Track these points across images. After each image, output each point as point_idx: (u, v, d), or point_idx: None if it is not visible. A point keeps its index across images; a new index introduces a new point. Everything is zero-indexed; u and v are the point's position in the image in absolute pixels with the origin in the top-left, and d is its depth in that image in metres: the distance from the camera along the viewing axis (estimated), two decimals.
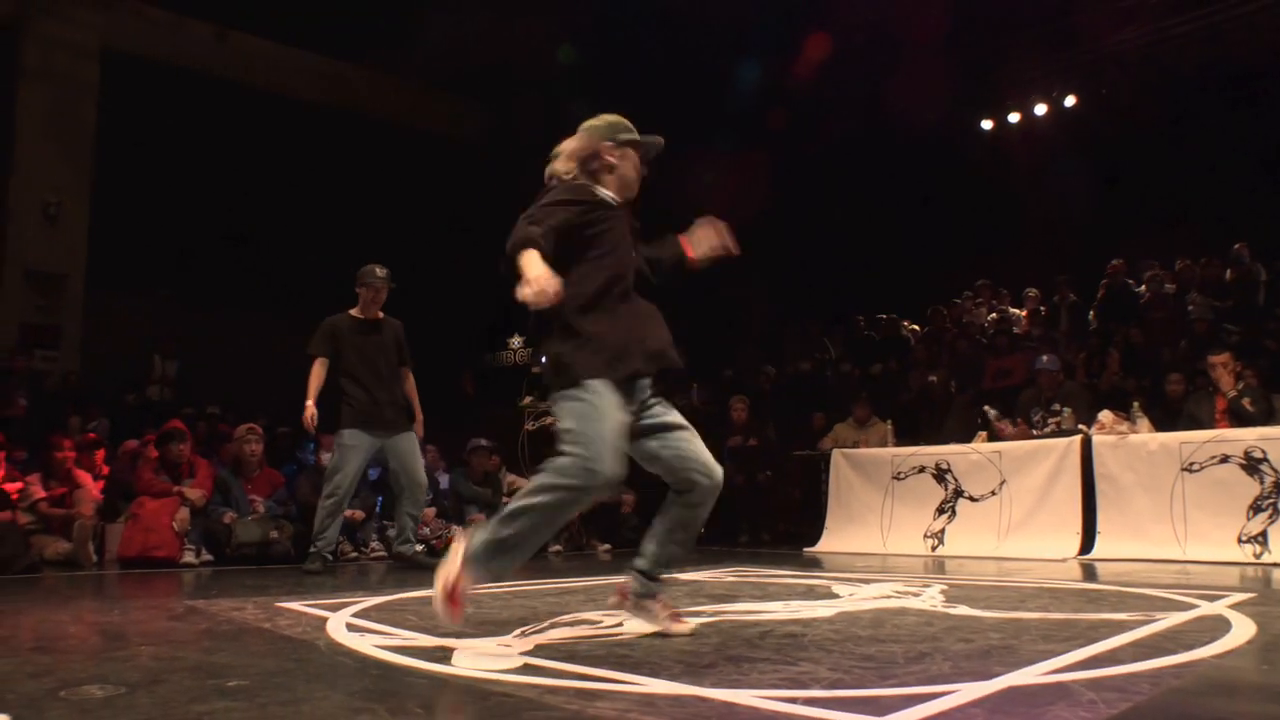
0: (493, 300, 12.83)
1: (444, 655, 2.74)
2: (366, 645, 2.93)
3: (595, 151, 3.16)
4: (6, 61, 12.26)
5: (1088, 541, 6.50)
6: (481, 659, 2.68)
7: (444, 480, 8.62)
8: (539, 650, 2.85)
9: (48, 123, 12.39)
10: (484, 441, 8.24)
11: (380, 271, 6.22)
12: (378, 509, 7.78)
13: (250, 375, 11.92)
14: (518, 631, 3.23)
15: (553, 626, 3.34)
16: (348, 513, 7.30)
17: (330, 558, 6.11)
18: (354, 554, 7.18)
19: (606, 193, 3.14)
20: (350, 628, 3.32)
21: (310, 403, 5.94)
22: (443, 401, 11.70)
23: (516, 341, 12.06)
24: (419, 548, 7.21)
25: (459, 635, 3.13)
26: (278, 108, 13.41)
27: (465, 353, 12.91)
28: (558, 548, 7.90)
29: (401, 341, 6.29)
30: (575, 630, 3.26)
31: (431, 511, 7.77)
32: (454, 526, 7.77)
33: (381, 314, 6.27)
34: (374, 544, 7.36)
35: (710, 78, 13.15)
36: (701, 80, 13.13)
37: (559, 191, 3.04)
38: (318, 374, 6.04)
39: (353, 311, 6.23)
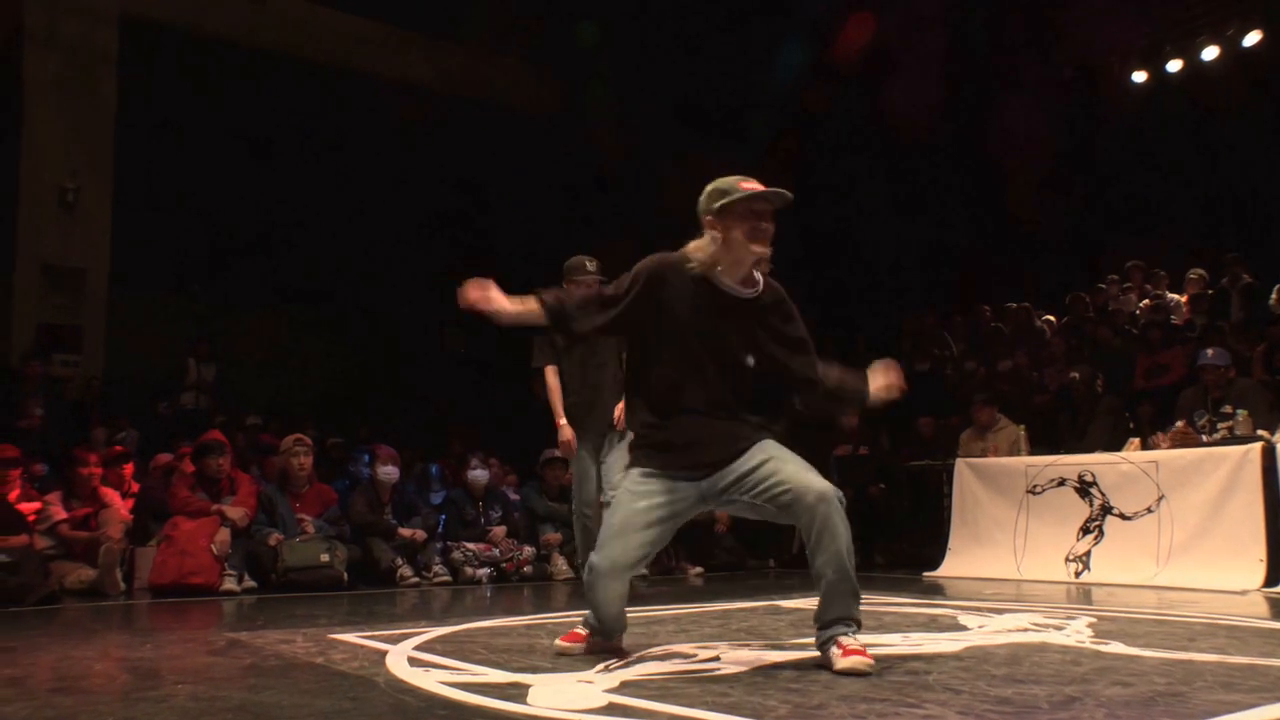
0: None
1: (519, 693, 2.78)
2: (431, 681, 2.98)
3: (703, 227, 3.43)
4: (7, 26, 12.24)
5: (1275, 571, 6.28)
6: (561, 697, 2.71)
7: (513, 495, 8.72)
8: (625, 688, 2.86)
9: (60, 97, 12.30)
10: (559, 452, 8.26)
11: (591, 265, 6.08)
12: (440, 529, 7.91)
13: (296, 380, 12.13)
14: (601, 666, 3.25)
15: (640, 660, 3.36)
16: (407, 532, 7.47)
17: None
18: (414, 579, 7.31)
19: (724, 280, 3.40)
20: (413, 662, 3.38)
21: (564, 420, 6.10)
22: (515, 406, 11.80)
23: None
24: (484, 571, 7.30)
25: (534, 670, 3.17)
26: (322, 78, 13.38)
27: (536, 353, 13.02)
28: (644, 572, 7.92)
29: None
30: (666, 665, 3.27)
31: (501, 530, 7.88)
32: (526, 548, 7.86)
33: None
34: (437, 567, 7.48)
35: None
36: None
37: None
38: (553, 386, 6.17)
39: None
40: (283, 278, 13.33)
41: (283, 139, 12.93)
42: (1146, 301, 11.88)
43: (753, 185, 3.37)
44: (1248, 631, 4.19)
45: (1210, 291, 11.25)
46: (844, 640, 3.20)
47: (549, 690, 2.82)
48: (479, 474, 8.13)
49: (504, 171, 14.22)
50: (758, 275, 3.43)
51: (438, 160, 13.79)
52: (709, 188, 3.43)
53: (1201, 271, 11.58)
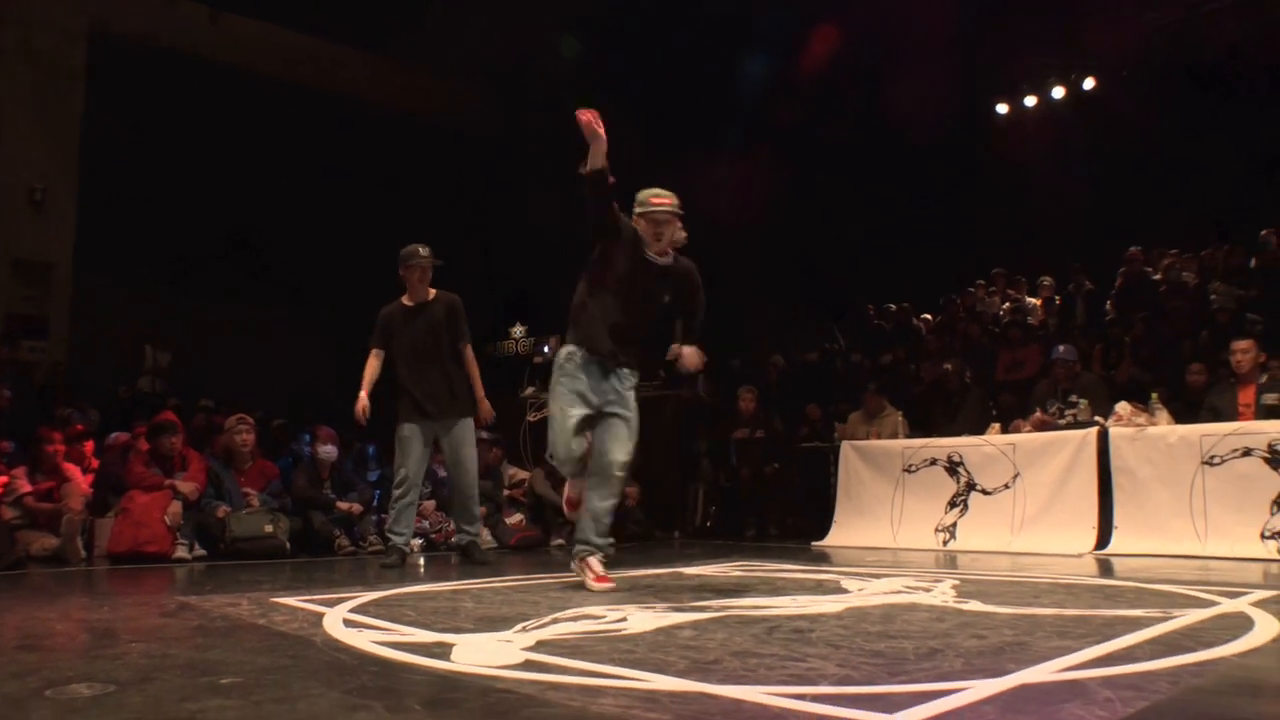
0: (493, 289, 12.86)
1: (443, 651, 2.74)
2: (364, 641, 2.93)
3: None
4: None
5: (1104, 536, 6.49)
6: (482, 654, 2.68)
7: (442, 473, 8.61)
8: (541, 646, 2.85)
9: (32, 107, 12.26)
10: (484, 434, 8.21)
11: (424, 250, 6.14)
12: (375, 503, 7.79)
13: (246, 367, 11.92)
14: (519, 627, 3.23)
15: (554, 622, 3.34)
16: (345, 505, 7.35)
17: (406, 551, 6.20)
18: (351, 548, 7.19)
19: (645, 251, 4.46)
20: (348, 623, 3.32)
21: (363, 393, 5.99)
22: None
23: (518, 330, 12.01)
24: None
25: (458, 630, 3.13)
26: (273, 92, 13.26)
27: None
28: (559, 541, 7.90)
29: (455, 317, 6.16)
30: (578, 626, 3.26)
31: (430, 505, 7.79)
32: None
33: (434, 292, 6.20)
34: (372, 538, 7.37)
35: (717, 70, 13.14)
36: (708, 73, 13.12)
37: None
38: (371, 366, 6.08)
39: (404, 299, 6.20)
40: (235, 273, 13.08)
41: (236, 147, 12.71)
42: (1008, 305, 12.16)
43: (661, 201, 4.41)
44: (1081, 588, 4.32)
45: (1058, 298, 11.58)
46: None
47: (471, 649, 2.78)
48: None
49: (436, 185, 14.19)
50: (670, 254, 4.49)
51: (379, 169, 13.64)
52: (639, 197, 4.46)
53: (1050, 279, 11.92)
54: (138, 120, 12.28)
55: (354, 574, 5.63)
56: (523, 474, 8.68)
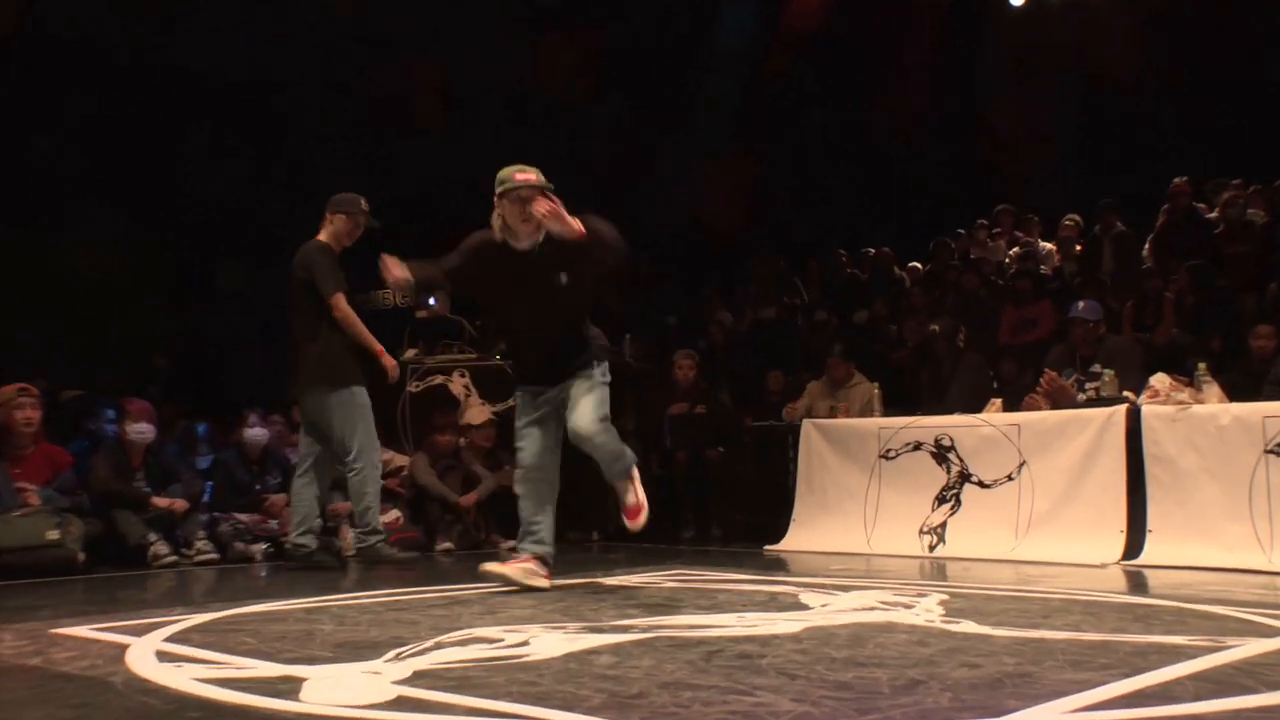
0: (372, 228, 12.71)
1: (291, 688, 2.72)
2: (183, 679, 2.90)
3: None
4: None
5: (1134, 543, 6.54)
6: (341, 690, 2.67)
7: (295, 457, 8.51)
8: (419, 678, 2.85)
9: None
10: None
11: (365, 204, 6.85)
12: (206, 497, 7.67)
13: (17, 322, 11.55)
14: (391, 654, 3.23)
15: (437, 647, 3.35)
16: (163, 502, 7.22)
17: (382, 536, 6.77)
18: (171, 557, 7.05)
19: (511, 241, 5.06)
20: (162, 656, 3.28)
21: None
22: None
23: None
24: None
25: (312, 660, 3.11)
26: None
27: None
28: (448, 544, 7.87)
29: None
30: (467, 651, 3.26)
31: (281, 499, 7.68)
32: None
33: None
34: (200, 543, 7.25)
35: None
36: None
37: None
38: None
39: (325, 240, 6.81)
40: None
41: None
42: (1015, 250, 12.33)
43: (525, 176, 4.93)
44: (1103, 607, 4.43)
45: (1080, 243, 11.73)
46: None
47: (327, 684, 2.77)
48: (256, 433, 7.89)
49: None
50: (540, 235, 4.98)
51: None
52: (499, 176, 4.98)
53: (1076, 218, 12.05)
54: None
55: (175, 591, 5.57)
56: (401, 460, 8.61)
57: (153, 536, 7.09)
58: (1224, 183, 11.10)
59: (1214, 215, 10.77)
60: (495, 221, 5.02)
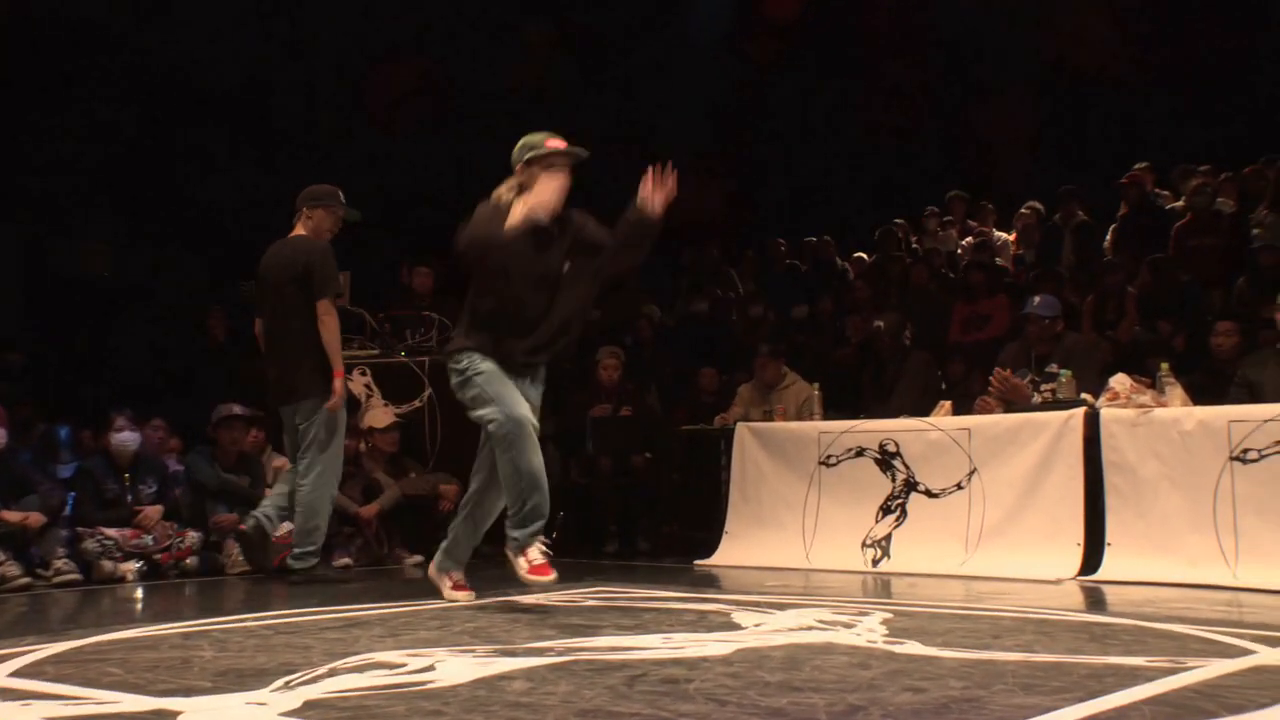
0: (255, 204, 12.55)
1: None
2: (33, 718, 2.84)
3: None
4: None
5: (1093, 556, 6.64)
6: None
7: (176, 466, 8.39)
8: (310, 709, 2.82)
9: None
10: (239, 408, 8.04)
11: (342, 195, 7.01)
12: (68, 510, 7.51)
13: None
14: (280, 683, 3.19)
15: (332, 674, 3.32)
16: (14, 516, 7.03)
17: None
18: (23, 579, 6.83)
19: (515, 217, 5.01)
20: (6, 695, 3.18)
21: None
22: (178, 351, 11.35)
23: None
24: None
25: (189, 692, 3.06)
26: None
27: (213, 278, 12.59)
28: (346, 560, 7.80)
29: None
30: (364, 678, 3.25)
31: (155, 511, 7.55)
32: (190, 533, 7.58)
33: None
34: (60, 563, 7.07)
35: None
36: None
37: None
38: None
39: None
40: None
41: None
42: (968, 240, 12.45)
43: (558, 143, 5.01)
44: (1058, 626, 4.49)
45: (1035, 233, 11.87)
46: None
47: (205, 716, 2.73)
48: (126, 437, 7.73)
49: None
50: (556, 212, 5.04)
51: None
52: (522, 140, 5.07)
53: (1036, 205, 12.17)
54: None
55: (28, 618, 5.46)
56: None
57: (2, 556, 6.92)
58: (1191, 169, 11.23)
59: (1179, 204, 10.95)
60: (507, 192, 5.09)
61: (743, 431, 8.17)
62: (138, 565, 7.32)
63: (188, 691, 3.07)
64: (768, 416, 8.44)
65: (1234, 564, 6.14)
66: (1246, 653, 3.71)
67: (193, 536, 7.61)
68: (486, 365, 5.09)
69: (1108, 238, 11.12)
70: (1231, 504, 6.19)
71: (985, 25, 13.72)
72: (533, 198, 4.98)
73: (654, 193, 4.99)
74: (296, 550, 6.81)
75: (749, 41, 14.29)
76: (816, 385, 8.49)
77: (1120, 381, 6.87)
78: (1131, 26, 12.72)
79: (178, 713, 2.78)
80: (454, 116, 14.06)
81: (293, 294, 6.75)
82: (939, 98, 14.09)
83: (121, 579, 7.19)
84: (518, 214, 4.98)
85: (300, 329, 6.75)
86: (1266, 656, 3.65)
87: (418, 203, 13.24)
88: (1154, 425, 6.55)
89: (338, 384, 6.74)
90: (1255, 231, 9.86)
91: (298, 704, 2.88)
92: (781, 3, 13.94)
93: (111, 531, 7.34)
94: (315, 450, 6.74)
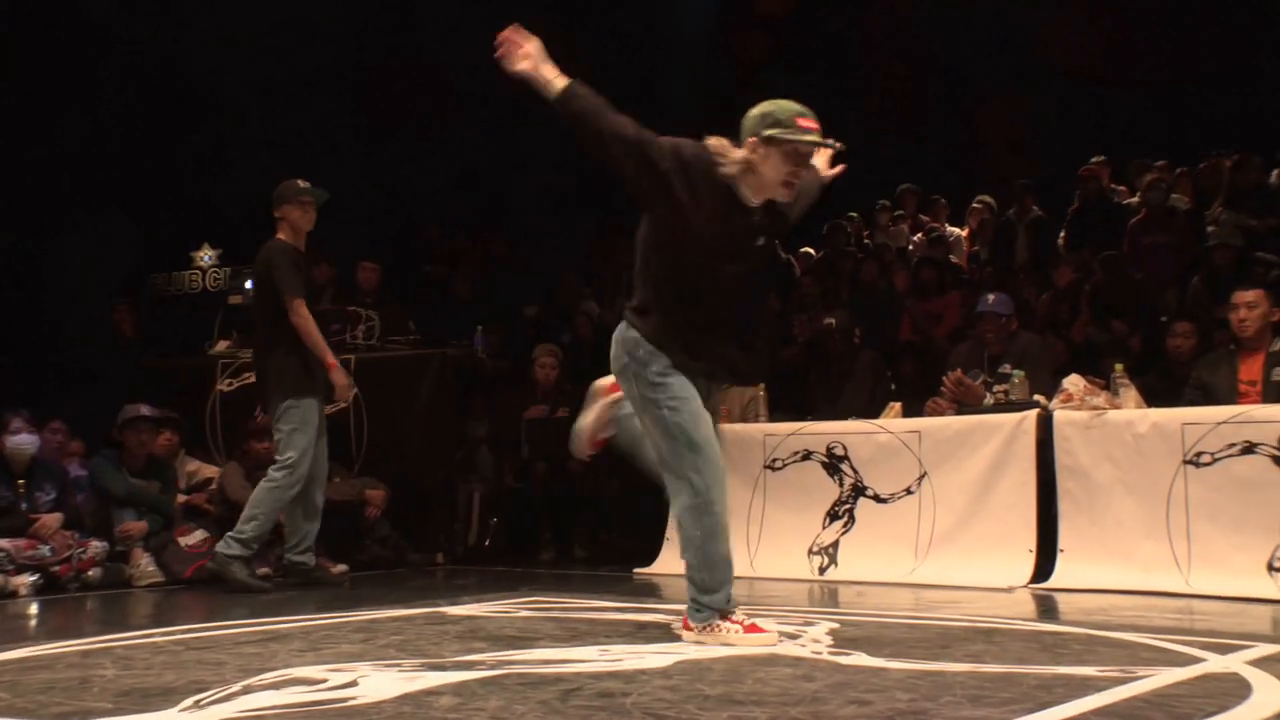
0: (167, 196, 12.42)
1: None
2: None
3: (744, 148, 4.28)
4: None
5: (1045, 563, 6.71)
6: None
7: (79, 471, 8.28)
8: None
9: None
10: (147, 409, 7.95)
11: (303, 182, 7.14)
12: None
13: None
14: (189, 702, 3.16)
15: (246, 692, 3.29)
16: None
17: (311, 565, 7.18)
18: None
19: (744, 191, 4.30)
20: None
21: (336, 362, 7.06)
22: (84, 348, 11.18)
23: (207, 255, 11.60)
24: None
25: (87, 715, 3.02)
26: None
27: (120, 272, 12.42)
28: (266, 570, 7.72)
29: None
30: (281, 695, 3.22)
31: (54, 519, 7.41)
32: (94, 543, 7.47)
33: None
34: None
35: None
36: None
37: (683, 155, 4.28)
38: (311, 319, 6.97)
39: (283, 238, 7.11)
40: None
41: None
42: (920, 236, 12.53)
43: (810, 123, 4.28)
44: (1008, 635, 4.55)
45: (985, 229, 12.00)
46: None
47: None
48: (21, 440, 7.58)
49: None
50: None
51: None
52: (764, 107, 4.29)
53: (988, 199, 12.28)
54: None
55: None
56: (209, 470, 8.46)
57: None
58: (1146, 164, 11.39)
59: (1134, 200, 11.09)
60: (733, 165, 4.25)
61: None
62: (33, 578, 7.09)
63: (85, 714, 3.03)
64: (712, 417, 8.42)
65: (1186, 571, 6.24)
66: (1196, 661, 3.80)
67: (96, 547, 7.46)
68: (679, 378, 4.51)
69: (1061, 234, 11.24)
70: (1185, 509, 6.28)
71: (951, 20, 13.88)
72: (767, 187, 4.30)
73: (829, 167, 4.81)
74: (228, 535, 6.95)
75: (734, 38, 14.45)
76: (762, 386, 8.50)
77: (1074, 383, 6.93)
78: (1098, 24, 12.89)
79: None
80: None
81: (262, 297, 7.10)
82: (896, 91, 14.19)
83: (14, 594, 6.94)
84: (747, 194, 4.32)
85: (264, 332, 7.05)
86: (1216, 664, 3.73)
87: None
88: (1108, 428, 6.63)
89: (334, 376, 7.00)
90: (1210, 229, 9.97)
91: None
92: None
93: (3, 542, 7.16)
94: (282, 449, 6.93)
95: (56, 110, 12.40)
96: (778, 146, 4.22)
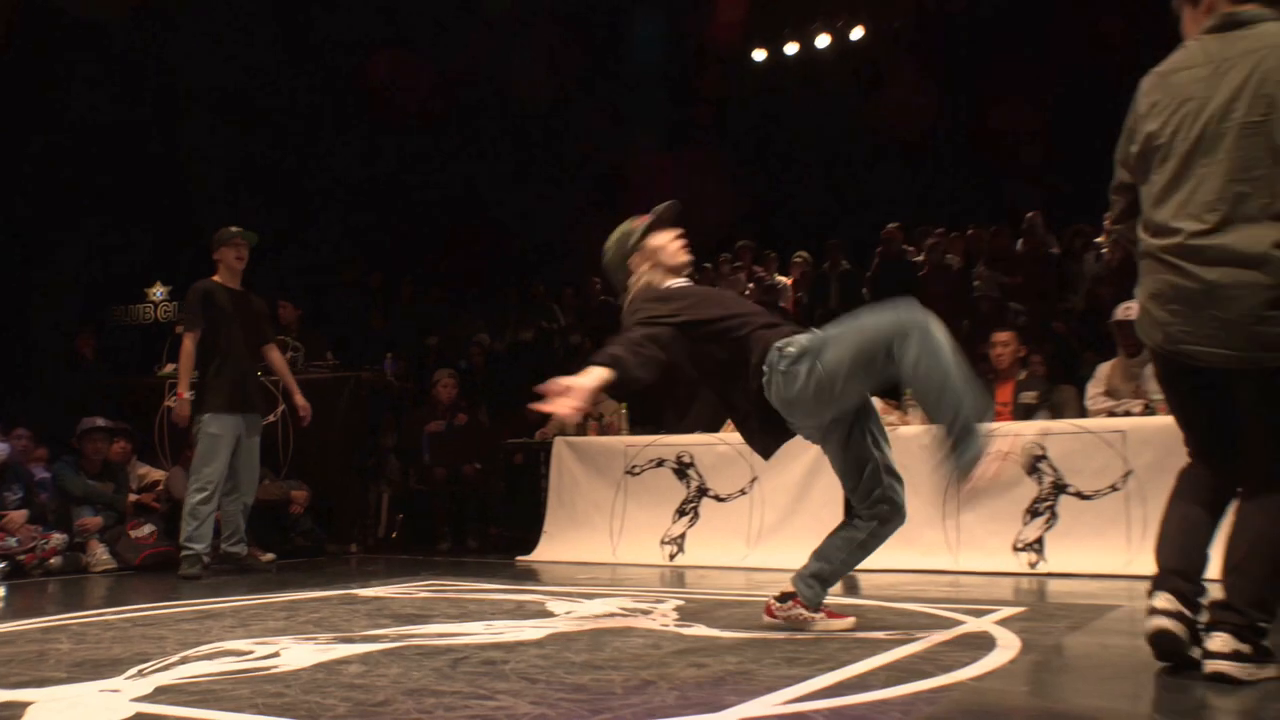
0: (125, 238, 12.09)
1: (14, 714, 2.55)
2: None
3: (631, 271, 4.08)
4: None
5: None
6: (75, 712, 2.51)
7: (43, 473, 8.01)
8: (160, 694, 2.73)
9: None
10: (102, 421, 7.76)
11: (244, 230, 7.01)
12: None
13: None
14: (134, 671, 3.08)
15: (183, 662, 3.22)
16: None
17: (207, 559, 6.79)
18: None
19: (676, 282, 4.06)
20: None
21: (185, 393, 6.70)
22: (49, 371, 10.87)
23: (158, 291, 11.35)
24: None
25: (43, 683, 2.92)
26: None
27: (84, 304, 12.06)
28: (205, 561, 7.54)
29: (268, 314, 7.35)
30: (214, 665, 3.16)
31: (20, 515, 7.17)
32: (55, 535, 7.23)
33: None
34: None
35: None
36: None
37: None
38: (191, 353, 6.76)
39: (217, 278, 6.98)
40: None
41: None
42: (753, 284, 12.69)
43: (642, 219, 4.07)
44: None
45: (800, 280, 12.22)
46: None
47: (59, 706, 2.61)
48: None
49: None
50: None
51: None
52: (613, 241, 4.10)
53: (805, 254, 12.54)
54: None
55: None
56: (157, 474, 8.26)
57: None
58: (929, 229, 11.81)
59: (920, 258, 11.47)
60: (640, 279, 4.05)
61: (560, 445, 8.20)
62: (1, 565, 6.91)
63: (41, 683, 2.93)
64: (581, 431, 8.46)
65: (956, 553, 6.54)
66: (958, 623, 3.98)
67: (58, 538, 7.23)
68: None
69: (865, 285, 11.56)
70: (956, 502, 6.43)
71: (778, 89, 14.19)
72: (676, 265, 4.07)
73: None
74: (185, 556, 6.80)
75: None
76: (624, 405, 8.56)
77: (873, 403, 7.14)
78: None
79: (28, 703, 2.64)
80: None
81: None
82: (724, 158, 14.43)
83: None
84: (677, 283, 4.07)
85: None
86: (971, 625, 3.94)
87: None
88: (901, 441, 6.78)
89: (177, 406, 6.82)
90: (976, 284, 10.44)
91: (149, 690, 2.78)
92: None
93: None
94: (195, 461, 6.83)
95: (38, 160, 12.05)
96: (648, 235, 4.04)
